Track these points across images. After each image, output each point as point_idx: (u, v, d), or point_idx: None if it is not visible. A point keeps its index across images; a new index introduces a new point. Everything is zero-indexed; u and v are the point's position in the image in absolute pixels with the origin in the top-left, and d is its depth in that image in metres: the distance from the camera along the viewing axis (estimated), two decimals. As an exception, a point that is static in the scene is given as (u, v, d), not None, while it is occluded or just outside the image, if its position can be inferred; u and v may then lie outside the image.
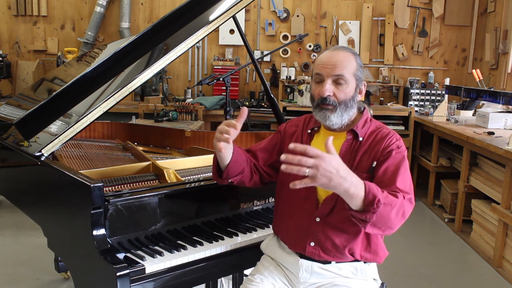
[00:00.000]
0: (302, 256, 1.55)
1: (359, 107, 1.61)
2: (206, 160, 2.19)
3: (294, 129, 1.69)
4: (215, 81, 3.25)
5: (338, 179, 1.22)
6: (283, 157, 1.22)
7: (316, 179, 1.21)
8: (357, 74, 1.53)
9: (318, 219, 1.52)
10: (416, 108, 5.01)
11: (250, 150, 1.72)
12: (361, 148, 1.53)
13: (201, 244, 1.66)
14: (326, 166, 1.20)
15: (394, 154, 1.48)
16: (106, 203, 1.51)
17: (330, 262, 1.52)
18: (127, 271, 1.42)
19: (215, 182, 1.64)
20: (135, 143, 2.56)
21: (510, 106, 4.02)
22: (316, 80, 1.54)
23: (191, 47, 2.02)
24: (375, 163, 1.48)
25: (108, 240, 1.50)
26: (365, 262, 1.55)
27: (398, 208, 1.33)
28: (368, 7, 5.33)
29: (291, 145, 1.23)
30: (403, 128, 4.77)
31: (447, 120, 4.37)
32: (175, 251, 1.59)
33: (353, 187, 1.25)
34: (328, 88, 1.50)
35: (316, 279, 1.54)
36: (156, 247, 1.62)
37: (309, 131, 1.63)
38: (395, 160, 1.47)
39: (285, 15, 5.35)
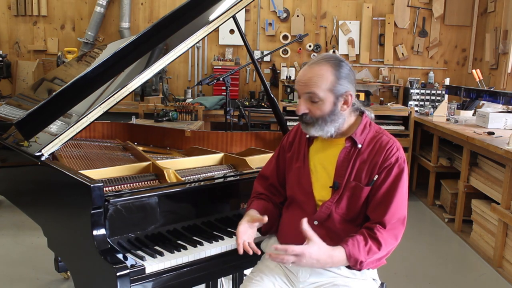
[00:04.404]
0: None
1: (358, 110, 1.59)
2: (206, 160, 2.19)
3: (292, 138, 1.70)
4: (215, 81, 3.26)
5: (320, 266, 1.43)
6: (267, 255, 1.42)
7: (301, 265, 1.43)
8: (336, 88, 1.48)
9: (316, 222, 1.53)
10: (416, 108, 5.01)
11: (266, 176, 1.74)
12: (360, 156, 1.52)
13: (201, 244, 1.66)
14: (307, 260, 1.38)
15: (393, 172, 1.48)
16: (106, 203, 1.51)
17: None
18: (127, 271, 1.41)
19: (215, 182, 1.65)
20: (135, 143, 2.56)
21: (510, 106, 4.02)
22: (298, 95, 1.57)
23: (191, 47, 2.02)
24: (376, 176, 1.48)
25: (108, 240, 1.50)
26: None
27: (384, 249, 1.46)
28: (368, 7, 5.33)
29: (273, 248, 1.40)
30: (403, 128, 4.77)
31: (447, 120, 4.37)
32: (175, 251, 1.59)
33: (335, 263, 1.44)
34: (302, 107, 1.52)
35: (316, 278, 1.54)
36: (156, 247, 1.62)
37: (307, 136, 1.63)
38: (392, 180, 1.48)
39: (285, 15, 5.35)
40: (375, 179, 1.48)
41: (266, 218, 1.52)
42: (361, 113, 1.59)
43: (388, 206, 1.46)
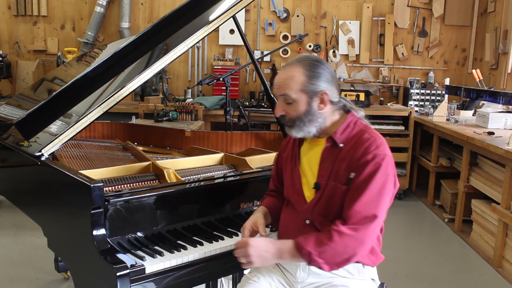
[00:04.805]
0: None
1: (344, 108, 1.56)
2: (206, 160, 2.19)
3: (288, 139, 1.71)
4: (215, 81, 3.26)
5: (272, 257, 1.44)
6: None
7: (252, 262, 1.44)
8: (308, 88, 1.47)
9: (308, 221, 1.54)
10: (416, 108, 5.01)
11: (273, 179, 1.78)
12: (340, 155, 1.50)
13: (201, 244, 1.66)
14: (255, 252, 1.43)
15: (367, 169, 1.42)
16: (106, 203, 1.51)
17: None
18: (127, 271, 1.41)
19: (215, 182, 1.65)
20: (135, 143, 2.56)
21: (510, 106, 4.02)
22: None
23: (191, 47, 2.02)
24: (352, 174, 1.45)
25: (108, 240, 1.50)
26: (362, 265, 1.54)
27: (337, 243, 1.38)
28: (368, 7, 5.33)
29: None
30: (403, 128, 4.77)
31: (447, 120, 4.37)
32: (175, 251, 1.59)
33: (285, 254, 1.43)
34: (278, 109, 1.54)
35: (314, 279, 1.54)
36: (156, 247, 1.62)
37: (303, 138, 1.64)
38: (365, 176, 1.42)
39: (285, 15, 5.35)
40: (351, 177, 1.46)
41: (264, 233, 1.57)
42: (347, 111, 1.57)
43: (354, 202, 1.41)
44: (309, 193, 1.55)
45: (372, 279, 1.59)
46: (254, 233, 1.59)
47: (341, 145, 1.50)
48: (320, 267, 1.42)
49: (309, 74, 1.48)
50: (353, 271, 1.53)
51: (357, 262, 1.53)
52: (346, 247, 1.39)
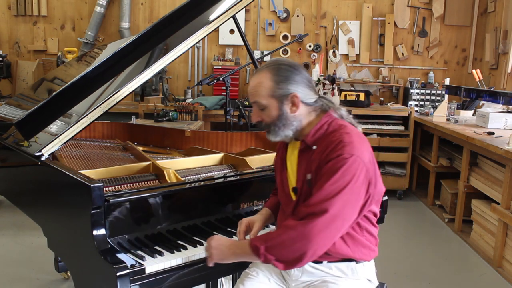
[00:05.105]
0: None
1: (321, 109, 1.53)
2: (206, 160, 2.19)
3: (279, 145, 1.71)
4: (215, 81, 3.26)
5: (226, 249, 1.48)
6: None
7: (211, 254, 1.49)
8: (276, 93, 1.47)
9: None
10: (416, 108, 5.01)
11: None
12: (312, 157, 1.47)
13: (201, 244, 1.66)
14: (213, 245, 1.49)
15: (327, 166, 1.39)
16: (106, 203, 1.51)
17: (321, 262, 1.53)
18: (127, 271, 1.41)
19: (215, 182, 1.65)
20: (135, 143, 2.56)
21: (510, 106, 4.02)
22: None
23: (191, 47, 2.02)
24: (309, 175, 1.45)
25: (108, 240, 1.50)
26: (357, 262, 1.54)
27: (283, 233, 1.37)
28: (368, 7, 5.33)
29: None
30: (403, 128, 4.77)
31: (447, 120, 4.37)
32: (175, 251, 1.59)
33: (240, 251, 1.46)
34: (254, 116, 1.56)
35: (307, 277, 1.55)
36: (156, 247, 1.62)
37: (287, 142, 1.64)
38: (323, 173, 1.39)
39: (285, 15, 5.35)
40: (309, 179, 1.45)
41: (253, 236, 1.60)
42: (325, 111, 1.53)
43: (309, 198, 1.40)
44: (294, 197, 1.56)
45: (368, 280, 1.58)
46: (249, 230, 1.62)
47: (314, 147, 1.47)
48: (274, 265, 1.40)
49: (276, 79, 1.48)
50: (347, 270, 1.53)
51: (349, 259, 1.51)
52: (293, 242, 1.36)
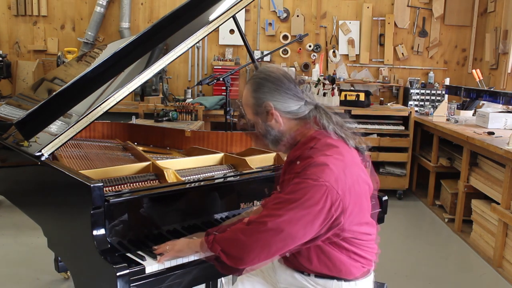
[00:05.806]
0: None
1: (307, 118, 1.46)
2: (206, 160, 2.19)
3: None
4: (215, 81, 3.26)
5: (186, 245, 1.52)
6: None
7: (166, 245, 1.52)
8: (255, 106, 1.46)
9: None
10: (416, 108, 5.01)
11: None
12: (294, 171, 1.41)
13: (201, 244, 1.66)
14: (172, 244, 1.53)
15: (294, 181, 1.34)
16: (106, 203, 1.51)
17: (302, 272, 1.51)
18: (127, 271, 1.41)
19: (215, 182, 1.65)
20: (135, 143, 2.56)
21: (510, 106, 4.02)
22: None
23: (191, 47, 2.02)
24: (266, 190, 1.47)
25: (108, 240, 1.50)
26: (338, 280, 1.47)
27: (234, 234, 1.39)
28: (368, 7, 5.33)
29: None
30: (403, 128, 4.77)
31: (447, 120, 4.37)
32: (175, 251, 1.59)
33: (196, 242, 1.50)
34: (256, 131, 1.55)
35: (290, 283, 1.56)
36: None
37: None
38: (286, 189, 1.35)
39: (285, 15, 5.35)
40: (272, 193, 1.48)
41: None
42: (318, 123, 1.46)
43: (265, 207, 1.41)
44: None
45: None
46: None
47: (298, 162, 1.41)
48: (218, 255, 1.40)
49: (253, 89, 1.48)
50: (329, 282, 1.48)
51: (331, 276, 1.47)
52: (235, 242, 1.37)
